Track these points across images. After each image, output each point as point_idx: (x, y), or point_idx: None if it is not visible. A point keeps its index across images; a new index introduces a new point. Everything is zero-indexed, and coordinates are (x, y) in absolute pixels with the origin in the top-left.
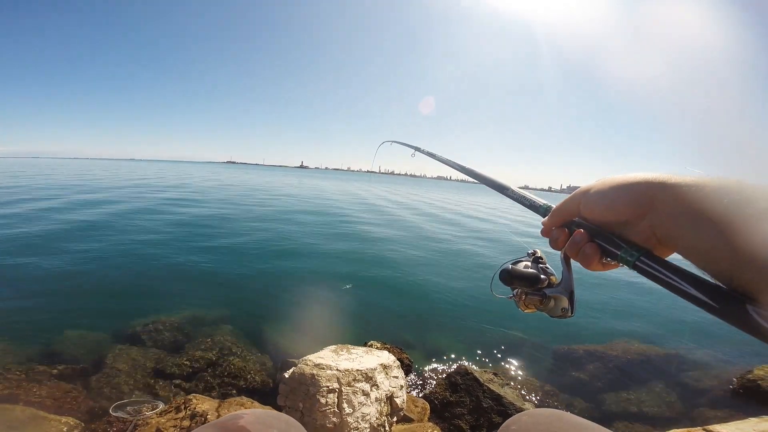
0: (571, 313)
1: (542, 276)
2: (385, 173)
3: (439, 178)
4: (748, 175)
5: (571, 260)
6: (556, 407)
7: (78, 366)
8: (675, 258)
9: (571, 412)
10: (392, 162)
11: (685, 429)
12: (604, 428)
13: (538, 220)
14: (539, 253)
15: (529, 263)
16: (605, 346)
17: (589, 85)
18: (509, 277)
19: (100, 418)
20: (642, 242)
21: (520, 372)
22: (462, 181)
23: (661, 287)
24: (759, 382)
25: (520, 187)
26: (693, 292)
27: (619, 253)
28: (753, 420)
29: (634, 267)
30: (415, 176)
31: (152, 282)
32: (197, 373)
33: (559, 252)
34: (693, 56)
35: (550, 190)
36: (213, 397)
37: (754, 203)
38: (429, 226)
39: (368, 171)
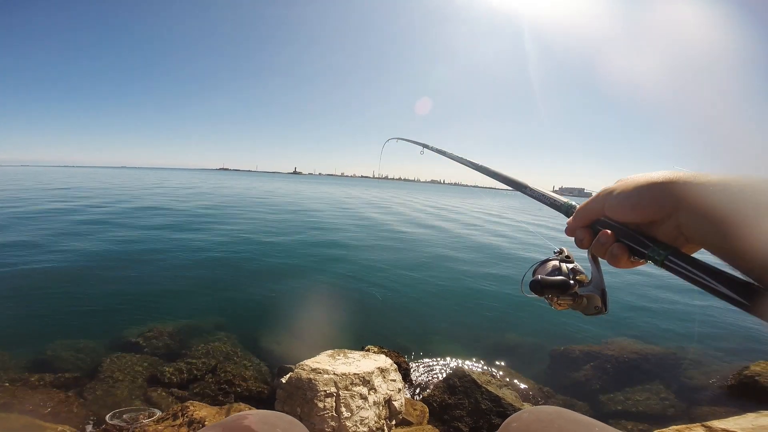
0: (605, 311)
1: (572, 281)
2: (379, 178)
3: (433, 182)
4: (747, 171)
5: (599, 258)
6: None
7: (73, 374)
8: (702, 254)
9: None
10: (392, 164)
11: (684, 425)
12: (604, 424)
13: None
14: (566, 252)
15: (557, 263)
16: (601, 346)
17: (586, 84)
18: (540, 287)
19: (97, 426)
20: (669, 240)
21: (518, 373)
22: (456, 184)
23: (690, 284)
24: (756, 377)
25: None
26: (724, 290)
27: (646, 252)
28: (751, 415)
29: (662, 265)
30: (408, 180)
31: (147, 289)
32: (194, 380)
33: (586, 250)
34: (691, 54)
35: None
36: (210, 404)
37: None
38: (423, 229)
39: (362, 176)
